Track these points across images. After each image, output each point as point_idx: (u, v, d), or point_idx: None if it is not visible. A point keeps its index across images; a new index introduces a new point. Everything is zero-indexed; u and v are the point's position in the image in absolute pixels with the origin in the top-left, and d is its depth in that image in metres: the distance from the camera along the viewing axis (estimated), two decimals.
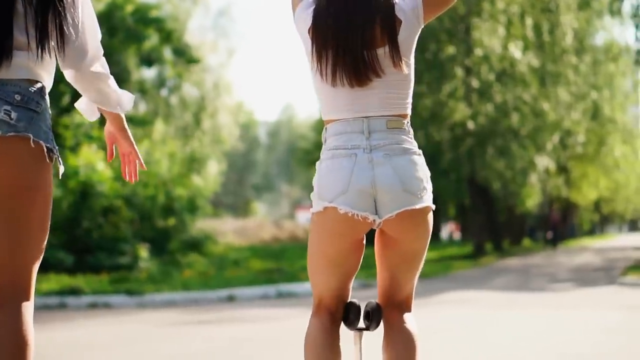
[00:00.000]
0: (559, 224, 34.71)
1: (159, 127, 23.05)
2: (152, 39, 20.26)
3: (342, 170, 2.67)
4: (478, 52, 22.67)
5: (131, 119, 19.37)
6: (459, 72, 22.98)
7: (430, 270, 16.73)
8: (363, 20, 2.68)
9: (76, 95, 18.67)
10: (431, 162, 25.24)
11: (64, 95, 18.15)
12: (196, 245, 15.50)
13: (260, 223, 36.56)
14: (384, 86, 2.71)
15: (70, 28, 2.55)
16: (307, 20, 2.75)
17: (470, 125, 22.83)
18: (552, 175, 31.30)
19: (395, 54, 2.69)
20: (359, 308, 2.85)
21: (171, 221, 14.91)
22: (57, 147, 2.57)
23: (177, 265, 13.87)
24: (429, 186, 2.74)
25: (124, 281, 11.90)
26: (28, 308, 2.50)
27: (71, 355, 6.38)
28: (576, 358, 5.91)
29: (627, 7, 24.04)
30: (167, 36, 19.74)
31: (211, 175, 25.18)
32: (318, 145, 31.21)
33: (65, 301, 10.46)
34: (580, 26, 24.56)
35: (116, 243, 13.32)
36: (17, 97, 2.45)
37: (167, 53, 21.43)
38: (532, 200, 31.66)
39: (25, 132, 2.44)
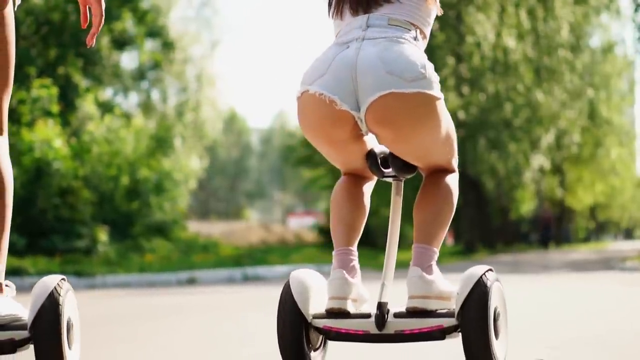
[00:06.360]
0: (551, 223, 33.68)
1: (138, 120, 22.10)
2: (127, 22, 19.29)
3: (328, 55, 2.51)
4: (470, 39, 21.79)
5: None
6: (450, 60, 22.07)
7: None
8: None
9: (42, 73, 17.69)
10: None
11: (29, 77, 17.20)
12: (162, 229, 14.46)
13: (249, 226, 35.50)
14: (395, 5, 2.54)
15: None
16: None
17: (461, 115, 21.88)
18: (546, 174, 30.39)
19: None
20: (376, 156, 2.60)
21: (135, 204, 13.87)
22: None
23: (139, 249, 12.83)
24: (430, 73, 2.43)
25: (76, 263, 10.87)
26: (3, 142, 2.44)
27: None
28: (575, 326, 4.93)
29: (624, 3, 23.28)
30: (142, 17, 18.79)
31: (191, 168, 24.12)
32: (310, 146, 30.21)
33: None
34: (577, 21, 23.82)
35: (73, 225, 12.31)
36: None
37: (145, 40, 20.49)
38: (526, 205, 30.77)
39: None
